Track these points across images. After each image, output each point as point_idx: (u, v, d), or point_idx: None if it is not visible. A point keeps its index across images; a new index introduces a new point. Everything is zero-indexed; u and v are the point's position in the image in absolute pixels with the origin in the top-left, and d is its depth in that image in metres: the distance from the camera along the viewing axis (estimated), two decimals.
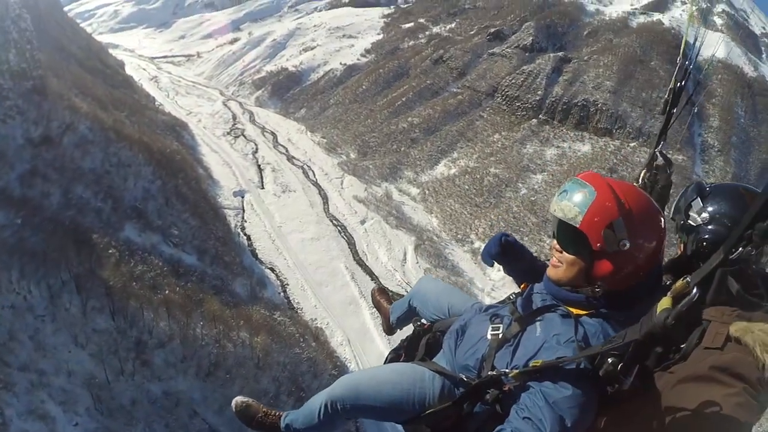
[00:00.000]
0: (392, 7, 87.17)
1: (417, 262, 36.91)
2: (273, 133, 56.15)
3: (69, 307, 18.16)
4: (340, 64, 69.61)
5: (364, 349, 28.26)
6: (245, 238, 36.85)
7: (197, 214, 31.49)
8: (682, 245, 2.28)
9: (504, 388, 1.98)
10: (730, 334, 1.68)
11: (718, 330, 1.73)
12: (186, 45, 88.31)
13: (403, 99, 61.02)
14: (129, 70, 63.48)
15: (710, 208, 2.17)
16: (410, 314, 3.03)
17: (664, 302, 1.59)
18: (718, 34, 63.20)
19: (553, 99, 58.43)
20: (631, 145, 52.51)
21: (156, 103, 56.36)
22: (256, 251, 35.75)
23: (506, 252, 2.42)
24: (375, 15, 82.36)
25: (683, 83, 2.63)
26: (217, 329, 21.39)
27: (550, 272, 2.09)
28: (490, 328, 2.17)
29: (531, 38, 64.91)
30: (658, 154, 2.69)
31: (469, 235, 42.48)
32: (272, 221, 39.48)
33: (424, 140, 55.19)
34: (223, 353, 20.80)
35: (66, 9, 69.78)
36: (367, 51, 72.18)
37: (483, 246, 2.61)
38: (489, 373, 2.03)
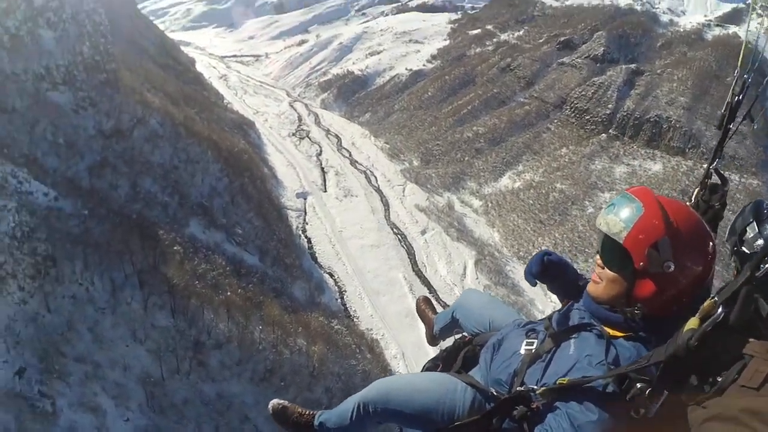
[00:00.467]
0: (459, 13, 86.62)
1: (477, 278, 36.00)
2: (337, 136, 56.49)
3: (130, 302, 18.20)
4: (406, 69, 69.42)
5: (417, 364, 27.55)
6: (306, 240, 36.90)
7: (261, 214, 31.67)
8: (735, 271, 1.97)
9: (532, 405, 1.93)
10: None
11: (759, 367, 1.52)
12: (254, 45, 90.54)
13: (469, 107, 60.09)
14: (199, 68, 65.26)
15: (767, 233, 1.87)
16: (452, 325, 3.03)
17: (691, 323, 1.54)
18: None
19: (625, 113, 56.31)
20: (705, 166, 49.28)
21: (225, 101, 57.66)
22: (316, 255, 35.69)
23: (548, 271, 2.32)
24: (442, 21, 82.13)
25: (741, 97, 2.40)
26: (275, 334, 21.17)
27: (590, 288, 2.02)
28: (524, 343, 2.14)
29: (602, 48, 62.87)
30: (713, 171, 2.53)
31: (532, 252, 40.89)
32: (333, 225, 39.41)
33: (488, 151, 54.11)
34: (279, 359, 20.60)
35: (140, 6, 72.41)
36: (433, 57, 71.63)
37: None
38: (518, 388, 1.99)
